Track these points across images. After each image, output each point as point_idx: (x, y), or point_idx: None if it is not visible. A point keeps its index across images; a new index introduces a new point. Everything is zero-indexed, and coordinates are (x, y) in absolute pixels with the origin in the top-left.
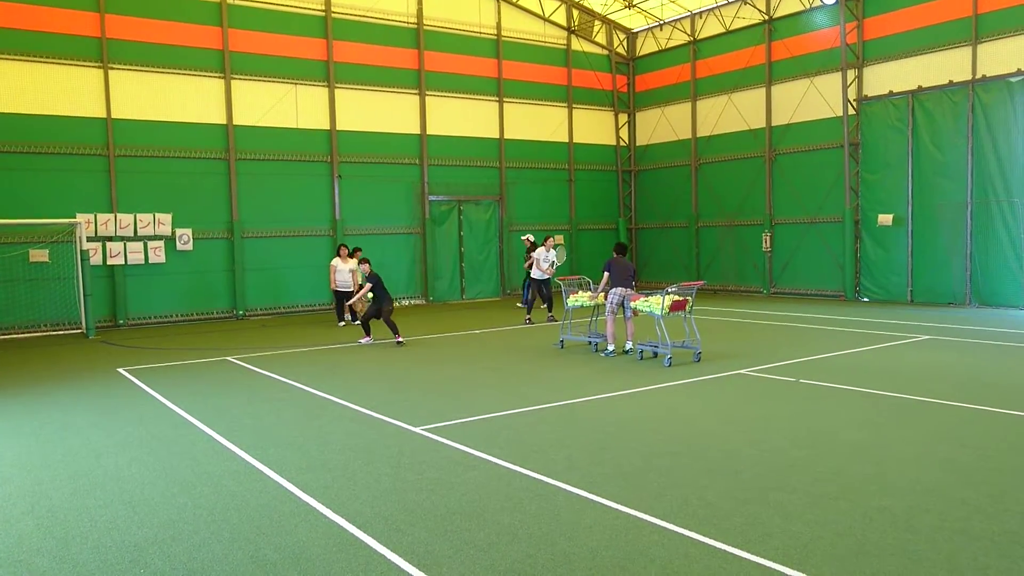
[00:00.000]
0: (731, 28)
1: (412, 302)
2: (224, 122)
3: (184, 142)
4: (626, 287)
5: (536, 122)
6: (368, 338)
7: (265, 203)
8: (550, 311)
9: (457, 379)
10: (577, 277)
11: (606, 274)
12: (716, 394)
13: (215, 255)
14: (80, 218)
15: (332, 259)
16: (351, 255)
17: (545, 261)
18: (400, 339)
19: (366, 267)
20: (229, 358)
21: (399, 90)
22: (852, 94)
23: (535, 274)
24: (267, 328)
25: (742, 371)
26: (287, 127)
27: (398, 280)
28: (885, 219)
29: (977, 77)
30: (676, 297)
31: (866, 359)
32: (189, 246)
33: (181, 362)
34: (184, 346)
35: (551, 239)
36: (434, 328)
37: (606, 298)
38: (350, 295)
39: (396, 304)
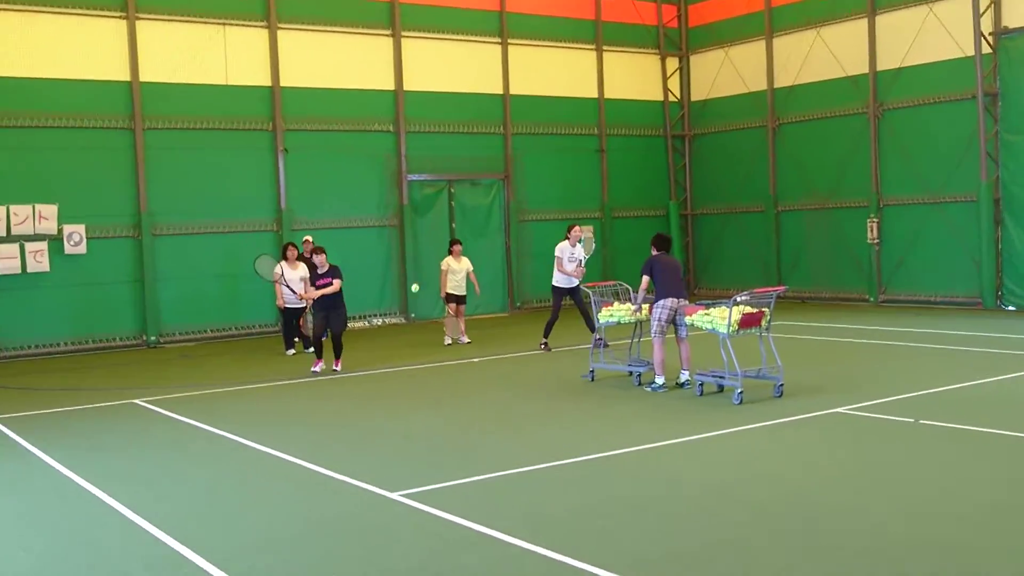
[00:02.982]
0: None
1: (386, 321)
2: (127, 78)
3: (71, 106)
4: (678, 296)
5: (553, 71)
6: (322, 363)
7: (184, 187)
8: (594, 330)
9: (449, 425)
10: (612, 283)
11: (646, 278)
12: (804, 442)
13: (117, 260)
14: None
15: (277, 264)
16: (306, 255)
17: (570, 260)
18: (338, 366)
19: (323, 258)
20: (138, 401)
21: (365, 31)
22: (987, 26)
23: (557, 280)
24: (189, 359)
25: (840, 409)
26: (212, 84)
27: (366, 290)
28: None
29: None
30: (748, 309)
31: (1011, 391)
32: (81, 248)
33: (72, 407)
34: (76, 385)
35: (577, 228)
36: (417, 356)
37: (651, 311)
38: (302, 313)
39: (362, 323)
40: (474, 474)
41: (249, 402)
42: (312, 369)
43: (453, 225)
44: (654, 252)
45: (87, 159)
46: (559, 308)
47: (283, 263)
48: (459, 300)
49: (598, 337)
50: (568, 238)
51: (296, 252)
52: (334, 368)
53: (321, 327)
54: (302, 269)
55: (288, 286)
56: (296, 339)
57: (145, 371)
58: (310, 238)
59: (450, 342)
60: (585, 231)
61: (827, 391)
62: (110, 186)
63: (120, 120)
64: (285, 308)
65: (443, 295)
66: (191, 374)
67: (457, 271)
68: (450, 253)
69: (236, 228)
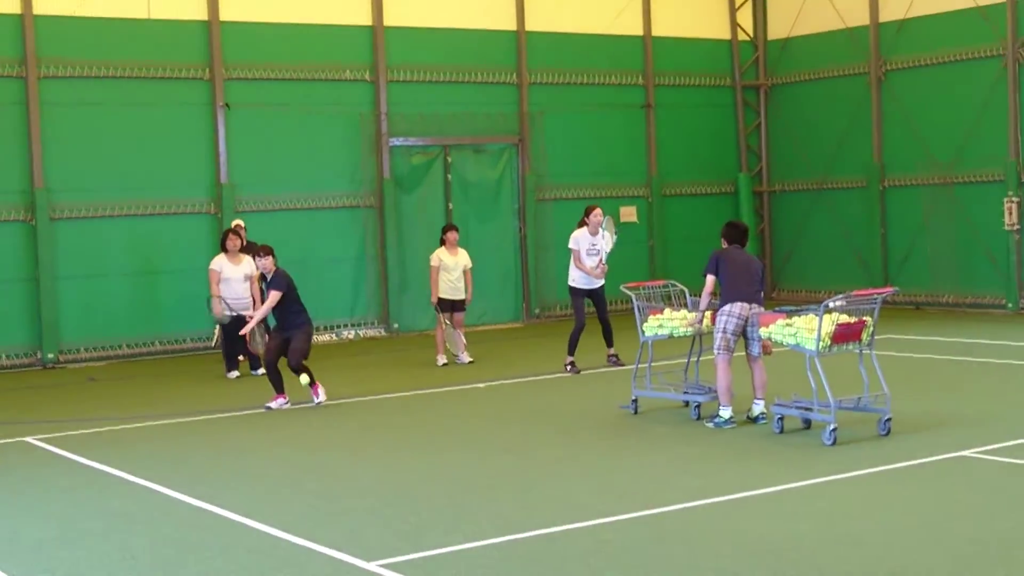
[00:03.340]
0: None
1: (362, 333)
2: (17, 10)
3: None
4: (750, 300)
5: (583, 0)
6: (281, 398)
7: (92, 156)
8: (611, 345)
9: (443, 473)
10: (662, 283)
11: (711, 278)
12: (922, 496)
13: (3, 252)
14: None
15: (214, 258)
16: (250, 250)
17: (589, 254)
18: (318, 395)
19: (269, 261)
20: (30, 439)
21: None
22: None
23: (575, 278)
24: (98, 383)
25: (967, 452)
26: (130, 17)
27: (335, 293)
28: None
29: None
30: (844, 318)
31: None
32: None
33: None
34: None
35: (598, 211)
36: (402, 380)
37: (714, 321)
38: (245, 321)
39: (329, 337)
40: (476, 538)
41: (177, 441)
42: (267, 405)
43: (450, 206)
44: (724, 245)
45: None
46: (583, 315)
47: (223, 256)
48: (456, 306)
49: (612, 353)
50: (586, 224)
51: (239, 242)
52: (314, 398)
53: (276, 349)
54: (247, 264)
55: (226, 304)
56: (241, 357)
57: (40, 399)
58: (241, 222)
59: (445, 362)
60: (626, 213)
61: (950, 427)
62: None
63: (7, 65)
64: (225, 315)
65: (434, 301)
66: (100, 404)
67: (453, 268)
68: (443, 243)
69: (160, 210)
